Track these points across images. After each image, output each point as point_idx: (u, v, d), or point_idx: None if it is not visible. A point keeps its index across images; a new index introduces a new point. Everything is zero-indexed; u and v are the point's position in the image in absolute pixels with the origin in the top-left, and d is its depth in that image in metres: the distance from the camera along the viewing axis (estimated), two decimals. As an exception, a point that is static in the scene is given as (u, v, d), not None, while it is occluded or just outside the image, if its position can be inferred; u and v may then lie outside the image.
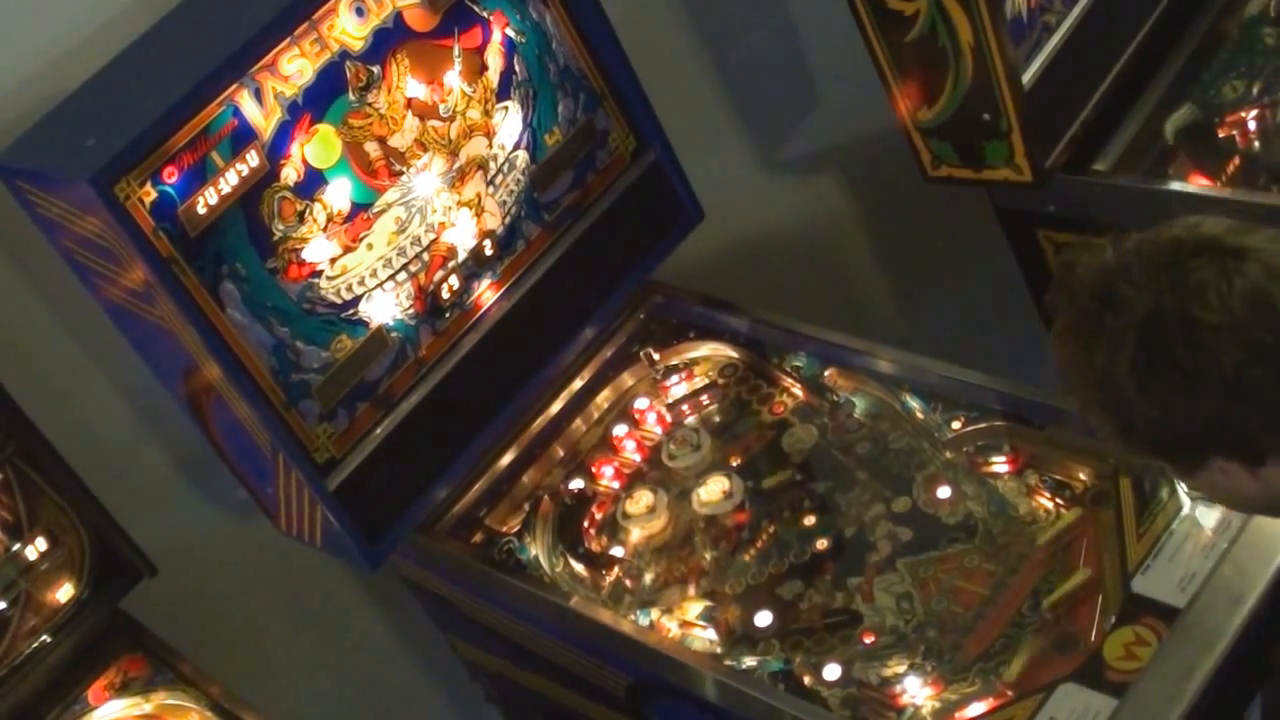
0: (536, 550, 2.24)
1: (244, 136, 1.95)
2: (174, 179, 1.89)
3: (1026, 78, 2.35)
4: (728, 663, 2.00)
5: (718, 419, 2.38)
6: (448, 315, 2.21)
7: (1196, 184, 2.43)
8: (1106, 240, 1.52)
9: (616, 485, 2.33)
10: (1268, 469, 1.48)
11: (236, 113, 1.94)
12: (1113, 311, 1.47)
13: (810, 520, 2.16)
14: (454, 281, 2.20)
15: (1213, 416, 1.46)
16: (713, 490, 2.24)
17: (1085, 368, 1.51)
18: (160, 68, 2.05)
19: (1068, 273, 1.54)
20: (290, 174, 2.01)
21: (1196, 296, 1.43)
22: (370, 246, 2.11)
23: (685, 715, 2.05)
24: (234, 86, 1.93)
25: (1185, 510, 1.93)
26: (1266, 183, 2.38)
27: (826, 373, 2.34)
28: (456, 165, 2.19)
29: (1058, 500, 2.04)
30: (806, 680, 1.95)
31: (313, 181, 2.03)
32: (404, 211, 2.14)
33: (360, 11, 2.05)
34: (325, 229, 2.05)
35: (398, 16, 2.08)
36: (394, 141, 2.11)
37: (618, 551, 2.23)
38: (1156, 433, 1.50)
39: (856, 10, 2.38)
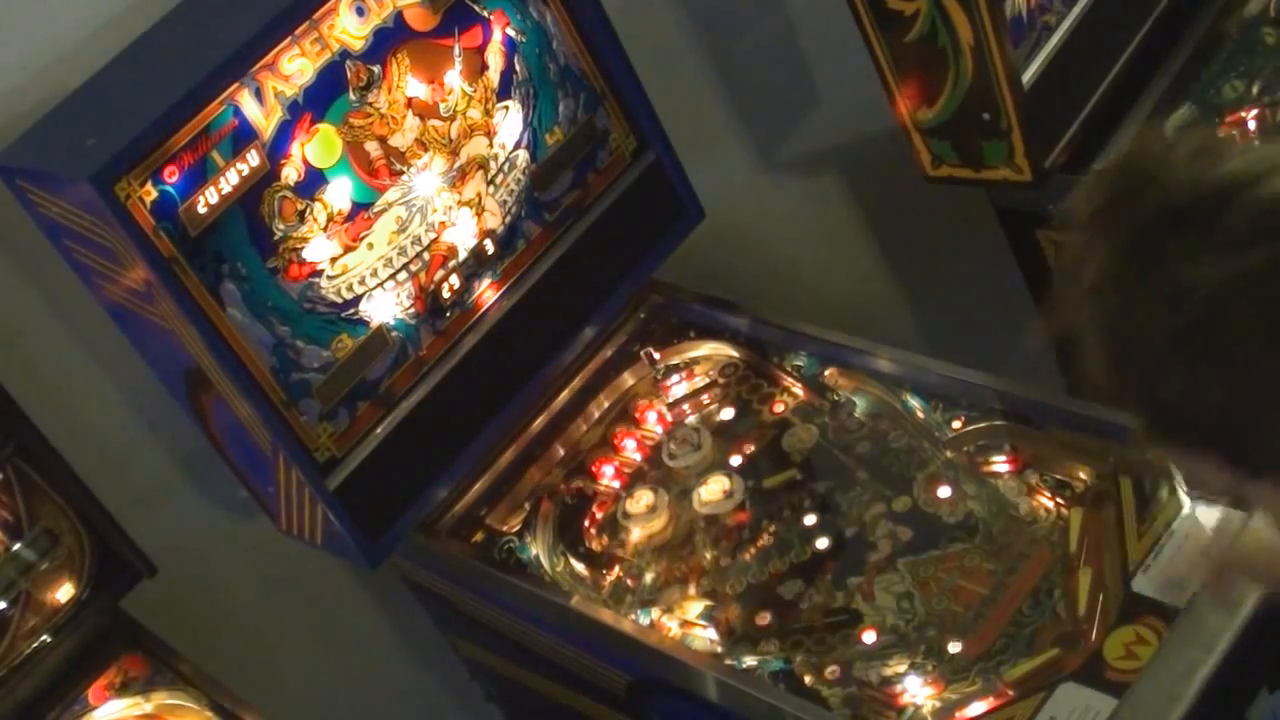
0: (537, 549, 2.24)
1: (244, 136, 1.95)
2: (174, 178, 1.89)
3: (1026, 78, 2.35)
4: (728, 662, 2.00)
5: (718, 418, 2.38)
6: (448, 314, 2.21)
7: (1196, 184, 2.42)
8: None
9: (617, 485, 2.33)
10: None
11: (237, 112, 1.94)
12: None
13: (811, 520, 2.16)
14: (454, 281, 2.20)
15: None
16: (713, 490, 2.23)
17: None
18: (160, 68, 2.05)
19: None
20: (291, 173, 2.01)
21: None
22: (371, 246, 2.11)
23: (685, 714, 2.05)
24: (234, 86, 1.92)
25: (1185, 510, 1.93)
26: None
27: (827, 372, 2.34)
28: (457, 165, 2.19)
29: (1058, 500, 2.04)
30: (807, 679, 1.95)
31: (313, 181, 2.03)
32: (404, 211, 2.14)
33: (361, 11, 2.04)
34: (326, 228, 2.05)
35: (398, 16, 2.08)
36: (394, 141, 2.11)
37: (618, 551, 2.23)
38: None
39: (856, 10, 2.38)
